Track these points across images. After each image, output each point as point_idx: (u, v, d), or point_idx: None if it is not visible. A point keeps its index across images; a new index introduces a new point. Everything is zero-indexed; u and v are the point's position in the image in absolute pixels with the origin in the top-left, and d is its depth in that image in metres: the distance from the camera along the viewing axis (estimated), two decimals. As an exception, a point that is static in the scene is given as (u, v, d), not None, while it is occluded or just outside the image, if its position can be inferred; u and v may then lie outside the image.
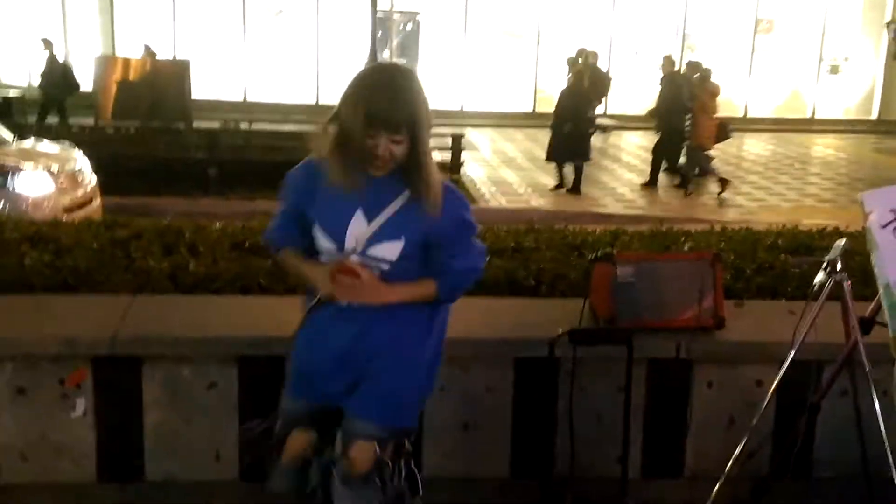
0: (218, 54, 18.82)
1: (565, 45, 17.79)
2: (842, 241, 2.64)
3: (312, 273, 2.40)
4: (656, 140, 12.72)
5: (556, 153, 11.84)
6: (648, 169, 12.71)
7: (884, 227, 2.28)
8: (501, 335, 3.32)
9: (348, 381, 2.45)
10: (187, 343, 3.12)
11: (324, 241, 2.37)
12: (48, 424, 3.16)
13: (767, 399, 2.84)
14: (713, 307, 3.34)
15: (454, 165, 11.69)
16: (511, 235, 4.48)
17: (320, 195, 2.34)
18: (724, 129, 11.85)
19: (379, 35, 16.68)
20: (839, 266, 2.60)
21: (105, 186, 8.20)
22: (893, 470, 2.50)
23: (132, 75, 13.98)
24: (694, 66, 12.78)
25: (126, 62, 14.54)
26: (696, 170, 12.00)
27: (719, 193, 11.80)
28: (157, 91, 13.46)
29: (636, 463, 3.42)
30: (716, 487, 2.87)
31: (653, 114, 13.25)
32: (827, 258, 2.65)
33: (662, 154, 12.58)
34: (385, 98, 2.18)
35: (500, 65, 20.15)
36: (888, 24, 9.08)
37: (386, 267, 2.35)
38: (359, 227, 2.31)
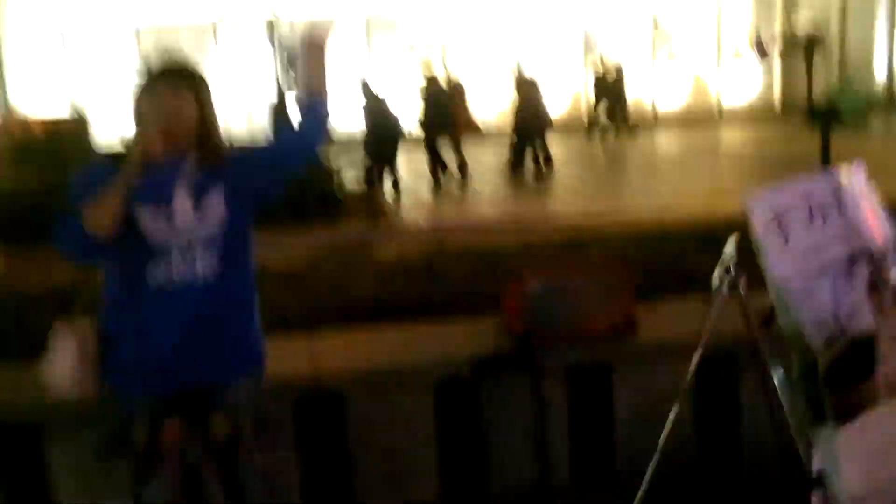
0: (117, 103, 18.30)
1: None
2: (732, 242, 2.68)
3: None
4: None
5: None
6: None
7: (767, 225, 2.33)
8: (419, 361, 3.29)
9: None
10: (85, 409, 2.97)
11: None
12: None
13: (680, 396, 2.86)
14: (625, 312, 3.37)
15: (369, 190, 11.62)
16: (423, 257, 4.47)
17: None
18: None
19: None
20: (732, 268, 2.64)
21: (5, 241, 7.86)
22: (805, 460, 2.54)
23: (29, 138, 13.54)
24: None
25: (22, 123, 14.10)
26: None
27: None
28: (57, 150, 13.08)
29: (565, 471, 3.42)
30: (643, 486, 2.87)
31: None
32: (721, 257, 2.69)
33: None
34: None
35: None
36: (749, 38, 9.42)
37: None
38: None
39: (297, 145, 2.50)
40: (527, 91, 13.92)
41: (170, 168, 2.29)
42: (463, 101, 13.93)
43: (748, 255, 2.65)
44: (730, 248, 2.67)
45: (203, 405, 2.38)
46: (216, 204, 2.35)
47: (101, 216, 2.21)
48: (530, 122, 13.72)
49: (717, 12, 20.66)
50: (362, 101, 12.57)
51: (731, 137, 18.02)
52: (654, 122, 20.19)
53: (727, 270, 2.66)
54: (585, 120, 18.83)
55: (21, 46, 18.60)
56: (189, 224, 2.31)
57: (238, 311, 2.45)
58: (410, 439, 3.27)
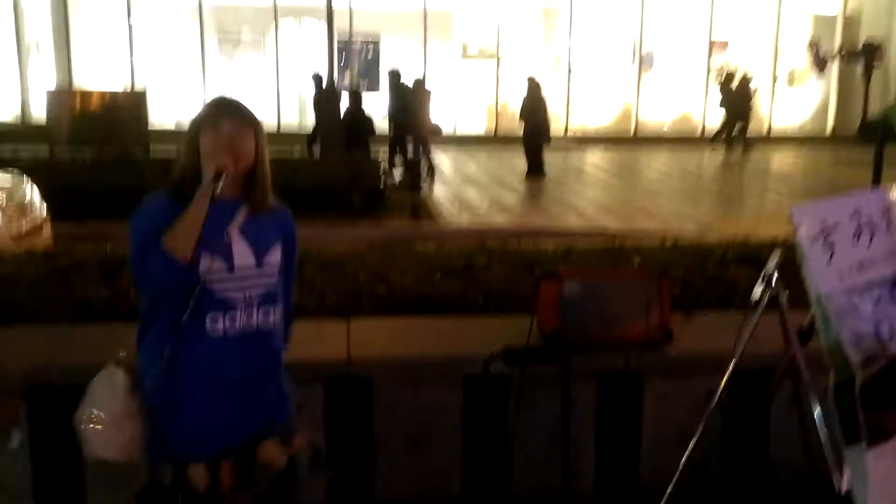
0: (176, 83, 18.71)
1: (524, 66, 18.00)
2: (777, 253, 2.65)
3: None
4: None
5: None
6: (597, 177, 13.18)
7: (813, 240, 2.29)
8: (449, 353, 3.30)
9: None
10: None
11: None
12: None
13: (710, 408, 2.83)
14: (660, 322, 3.35)
15: (413, 184, 11.69)
16: (463, 255, 4.47)
17: None
18: None
19: (342, 62, 16.79)
20: (775, 278, 2.61)
21: (60, 214, 8.06)
22: (837, 478, 2.50)
23: (87, 108, 13.86)
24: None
25: (80, 95, 14.43)
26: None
27: None
28: (113, 122, 13.37)
29: (590, 477, 3.40)
30: (664, 497, 2.85)
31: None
32: (763, 270, 2.66)
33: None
34: None
35: (462, 87, 20.27)
36: (810, 45, 9.29)
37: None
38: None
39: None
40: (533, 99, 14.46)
41: (221, 210, 2.22)
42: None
43: (791, 270, 2.62)
44: (772, 261, 2.65)
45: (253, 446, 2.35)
46: (274, 252, 2.34)
47: (183, 242, 2.13)
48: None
49: (776, 28, 20.44)
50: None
51: (782, 158, 17.80)
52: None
53: (768, 284, 2.63)
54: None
55: (86, 20, 19.09)
56: (249, 272, 2.28)
57: (280, 357, 2.44)
58: (437, 430, 3.29)
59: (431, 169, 13.56)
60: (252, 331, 2.29)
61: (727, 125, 18.34)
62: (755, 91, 18.51)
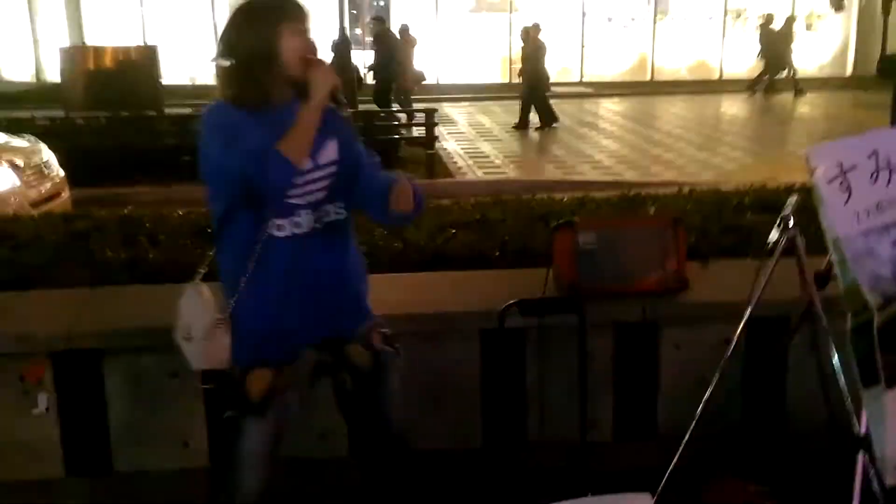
0: (187, 39, 18.59)
1: (539, 15, 17.72)
2: (794, 198, 2.62)
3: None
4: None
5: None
6: (618, 133, 12.98)
7: (830, 181, 2.26)
8: (466, 308, 3.31)
9: None
10: (146, 333, 3.08)
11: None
12: (11, 423, 3.12)
13: (727, 356, 2.83)
14: (676, 270, 3.34)
15: (428, 140, 11.61)
16: (477, 208, 4.47)
17: None
18: None
19: (352, 11, 16.58)
20: (791, 222, 2.58)
21: (77, 178, 8.10)
22: (855, 421, 2.50)
23: (100, 64, 13.77)
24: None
25: (94, 51, 14.30)
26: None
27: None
28: (126, 79, 13.28)
29: (608, 427, 3.43)
30: (681, 446, 2.87)
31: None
32: (780, 215, 2.63)
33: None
34: None
35: (474, 37, 20.02)
36: None
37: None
38: None
39: (382, 219, 2.52)
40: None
41: (280, 112, 2.24)
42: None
43: (808, 214, 2.59)
44: (789, 205, 2.62)
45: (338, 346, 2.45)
46: (331, 150, 2.36)
47: (301, 149, 2.19)
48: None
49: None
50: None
51: (800, 102, 17.50)
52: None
53: (785, 228, 2.61)
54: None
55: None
56: (315, 172, 2.31)
57: (353, 252, 2.49)
58: (456, 385, 3.31)
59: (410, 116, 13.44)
60: (321, 228, 2.34)
61: (770, 70, 17.85)
62: (795, 34, 18.02)
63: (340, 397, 2.55)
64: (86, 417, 3.16)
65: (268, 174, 2.18)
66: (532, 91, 14.28)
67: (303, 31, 2.28)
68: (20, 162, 7.27)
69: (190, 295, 2.39)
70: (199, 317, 2.34)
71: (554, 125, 14.34)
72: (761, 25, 18.20)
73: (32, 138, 8.22)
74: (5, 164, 7.11)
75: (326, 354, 2.45)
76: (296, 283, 2.34)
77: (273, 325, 2.36)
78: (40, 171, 7.42)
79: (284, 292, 2.34)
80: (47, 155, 7.76)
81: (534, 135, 14.19)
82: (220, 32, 2.36)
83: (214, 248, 2.42)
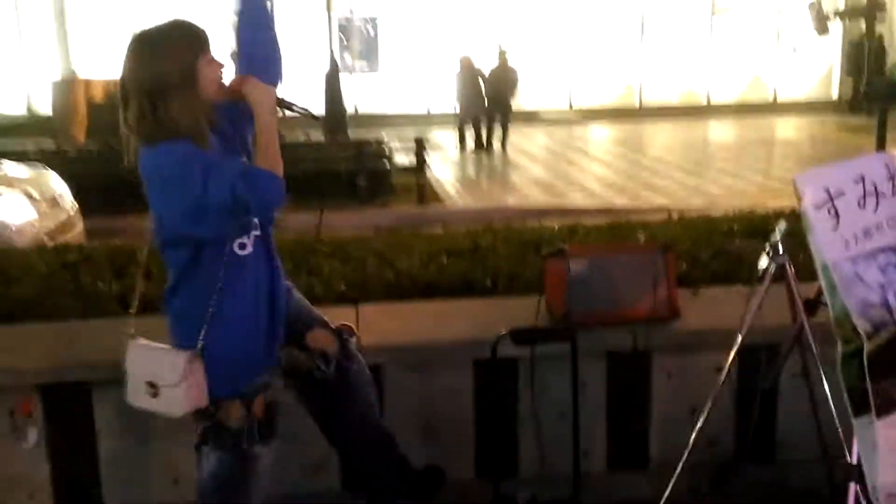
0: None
1: (523, 44, 17.90)
2: (782, 224, 2.64)
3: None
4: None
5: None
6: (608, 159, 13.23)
7: (818, 208, 2.27)
8: (458, 338, 3.30)
9: None
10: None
11: None
12: (2, 457, 3.08)
13: (720, 385, 2.83)
14: (667, 297, 3.34)
15: (419, 167, 11.64)
16: (468, 236, 4.47)
17: None
18: None
19: (343, 41, 16.66)
20: (781, 249, 2.60)
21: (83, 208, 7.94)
22: (846, 450, 2.50)
23: (92, 97, 13.81)
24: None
25: (85, 84, 14.35)
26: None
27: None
28: (117, 111, 13.24)
29: (601, 456, 3.41)
30: (674, 476, 2.85)
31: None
32: (768, 242, 2.65)
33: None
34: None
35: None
36: (811, 6, 9.17)
37: None
38: None
39: None
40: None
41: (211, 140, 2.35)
42: None
43: (797, 241, 2.61)
44: (778, 232, 2.63)
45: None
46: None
47: (278, 161, 2.27)
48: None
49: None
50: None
51: (786, 127, 17.65)
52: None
53: (774, 254, 2.62)
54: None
55: (83, 8, 19.02)
56: None
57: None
58: (448, 415, 3.29)
59: None
60: (262, 238, 2.40)
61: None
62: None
63: (309, 395, 2.65)
64: (76, 451, 3.13)
65: (258, 192, 2.21)
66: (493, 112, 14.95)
67: (213, 59, 2.33)
68: (35, 193, 6.97)
69: (139, 351, 2.38)
70: (162, 364, 2.31)
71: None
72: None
73: (43, 168, 7.97)
74: (21, 195, 6.78)
75: (294, 357, 2.55)
76: (262, 299, 2.40)
77: (246, 347, 2.38)
78: (54, 200, 7.17)
79: (254, 311, 2.38)
80: (58, 185, 7.52)
81: (521, 161, 14.23)
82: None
83: (168, 296, 2.39)
